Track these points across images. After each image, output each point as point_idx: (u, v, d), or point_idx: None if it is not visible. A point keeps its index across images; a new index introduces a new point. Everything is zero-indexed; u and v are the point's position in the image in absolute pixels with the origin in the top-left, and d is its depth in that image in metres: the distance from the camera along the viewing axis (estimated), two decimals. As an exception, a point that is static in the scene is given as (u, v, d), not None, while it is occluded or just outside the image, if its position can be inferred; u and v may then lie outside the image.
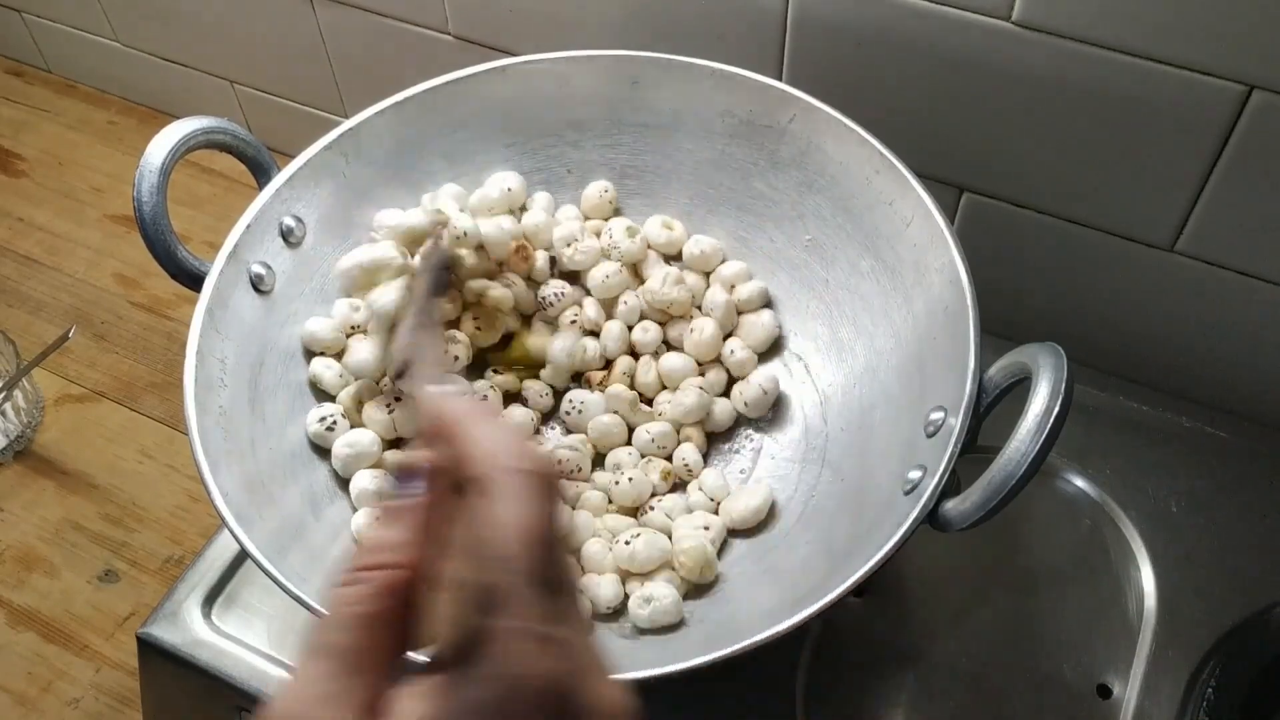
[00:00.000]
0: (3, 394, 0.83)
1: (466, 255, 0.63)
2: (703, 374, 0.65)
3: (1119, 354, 0.74)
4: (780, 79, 0.66)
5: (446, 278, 0.57)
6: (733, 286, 0.67)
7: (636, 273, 0.68)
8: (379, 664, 0.30)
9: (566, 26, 0.76)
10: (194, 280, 0.59)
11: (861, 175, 0.62)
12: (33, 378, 0.89)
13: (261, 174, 0.64)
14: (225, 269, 0.59)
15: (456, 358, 0.61)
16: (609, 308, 0.67)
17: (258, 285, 0.61)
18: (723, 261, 0.68)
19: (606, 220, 0.69)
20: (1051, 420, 0.46)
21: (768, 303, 0.67)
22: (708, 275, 0.68)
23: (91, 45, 1.06)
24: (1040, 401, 0.47)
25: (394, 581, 0.30)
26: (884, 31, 0.65)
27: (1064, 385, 0.47)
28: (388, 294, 0.59)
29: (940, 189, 0.71)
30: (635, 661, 0.48)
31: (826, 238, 0.65)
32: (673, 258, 0.69)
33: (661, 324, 0.66)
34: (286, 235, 0.63)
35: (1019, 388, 0.50)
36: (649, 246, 0.68)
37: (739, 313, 0.67)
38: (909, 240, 0.60)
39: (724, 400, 0.65)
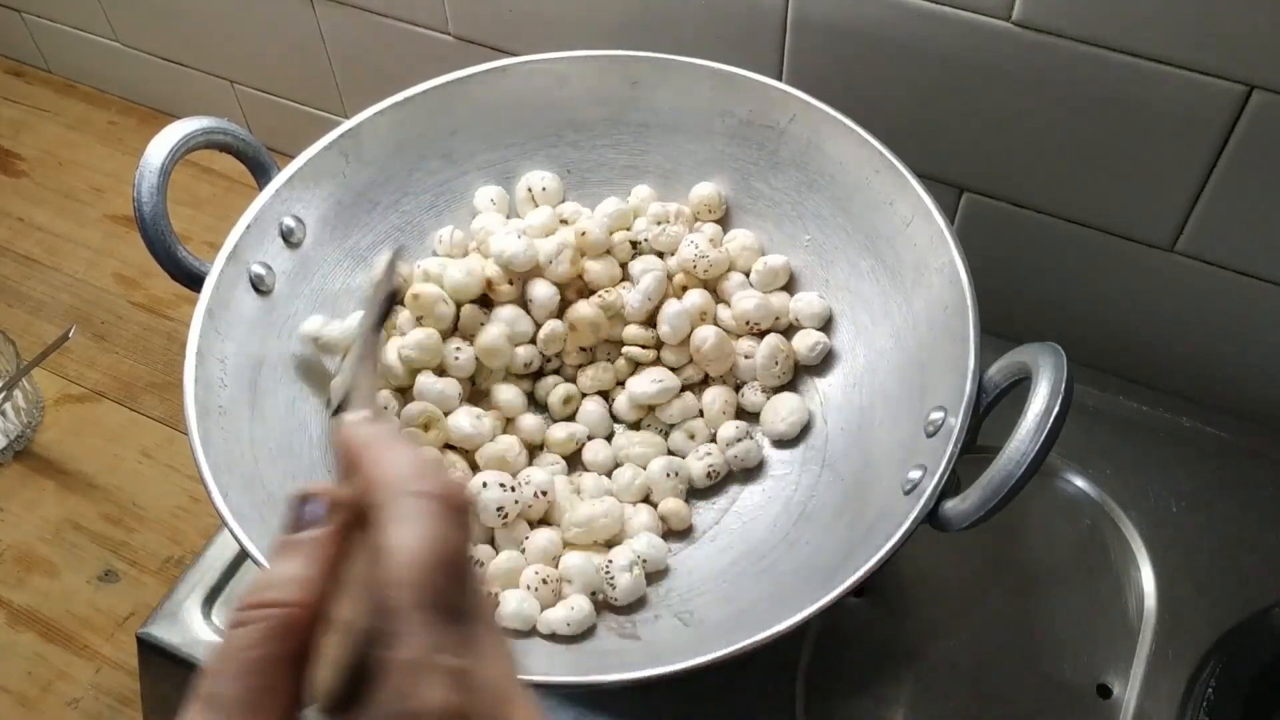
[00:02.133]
0: (3, 394, 0.83)
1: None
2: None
3: (1119, 354, 0.74)
4: (780, 79, 0.66)
5: (389, 311, 0.56)
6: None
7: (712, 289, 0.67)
8: (275, 716, 0.27)
9: (566, 26, 0.76)
10: (194, 280, 0.59)
11: (861, 175, 0.62)
12: (33, 378, 0.89)
13: (261, 174, 0.64)
14: (225, 269, 0.59)
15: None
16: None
17: (258, 285, 0.61)
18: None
19: (716, 219, 0.69)
20: (1051, 420, 0.46)
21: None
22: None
23: (91, 45, 1.06)
24: (1040, 401, 0.47)
25: (288, 621, 0.28)
26: (884, 31, 0.65)
27: (1064, 385, 0.47)
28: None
29: (940, 189, 0.71)
30: (635, 662, 0.48)
31: (826, 238, 0.65)
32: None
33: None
34: (286, 235, 0.63)
35: (1019, 388, 0.50)
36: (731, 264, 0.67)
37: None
38: (909, 240, 0.60)
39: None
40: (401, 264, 0.58)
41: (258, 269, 0.61)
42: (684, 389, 0.65)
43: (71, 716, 0.75)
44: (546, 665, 0.55)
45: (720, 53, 0.66)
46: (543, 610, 0.57)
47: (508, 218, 0.69)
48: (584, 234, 0.65)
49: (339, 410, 0.52)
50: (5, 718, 0.74)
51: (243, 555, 0.64)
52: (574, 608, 0.56)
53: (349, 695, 0.27)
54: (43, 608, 0.79)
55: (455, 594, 0.28)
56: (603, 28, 0.75)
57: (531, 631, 0.56)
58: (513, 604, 0.56)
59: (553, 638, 0.56)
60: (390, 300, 0.56)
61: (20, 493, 0.85)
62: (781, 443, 0.64)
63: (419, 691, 0.26)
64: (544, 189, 0.69)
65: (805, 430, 0.64)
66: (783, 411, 0.64)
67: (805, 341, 0.64)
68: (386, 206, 0.67)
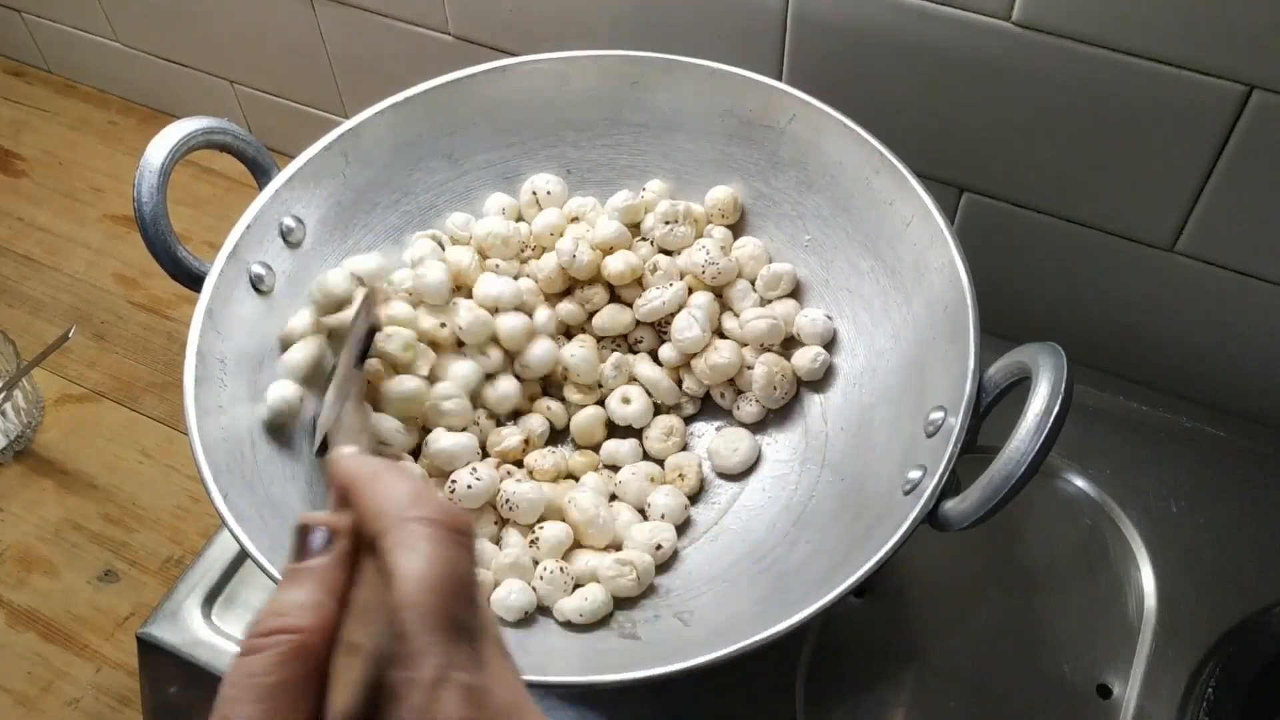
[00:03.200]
0: (3, 394, 0.83)
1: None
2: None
3: (1119, 354, 0.74)
4: (780, 79, 0.66)
5: (369, 346, 0.56)
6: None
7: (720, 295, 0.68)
8: None
9: (566, 26, 0.76)
10: (194, 280, 0.59)
11: (861, 175, 0.62)
12: (33, 378, 0.89)
13: (261, 174, 0.64)
14: (225, 269, 0.59)
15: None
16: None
17: (258, 285, 0.61)
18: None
19: (730, 223, 0.68)
20: (1051, 420, 0.46)
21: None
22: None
23: (91, 45, 1.06)
24: (1040, 401, 0.47)
25: (299, 647, 0.28)
26: (884, 31, 0.65)
27: (1064, 385, 0.47)
28: (297, 352, 0.60)
29: (940, 189, 0.71)
30: (635, 662, 0.48)
31: (826, 238, 0.65)
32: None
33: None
34: (286, 235, 0.63)
35: (1019, 388, 0.50)
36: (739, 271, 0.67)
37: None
38: (909, 240, 0.60)
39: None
40: (379, 305, 0.59)
41: (258, 269, 0.61)
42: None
43: (71, 716, 0.75)
44: (546, 664, 0.55)
45: (720, 53, 0.66)
46: (544, 600, 0.57)
47: (518, 219, 0.69)
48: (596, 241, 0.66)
49: (323, 448, 0.52)
50: (5, 718, 0.74)
51: (243, 555, 0.64)
52: (588, 598, 0.56)
53: (367, 717, 0.27)
54: (43, 608, 0.79)
55: (464, 614, 0.28)
56: (603, 28, 0.75)
57: (526, 620, 0.57)
58: (511, 593, 0.57)
59: (567, 625, 0.57)
60: (369, 337, 0.56)
61: (20, 493, 0.85)
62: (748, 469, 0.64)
63: (436, 709, 0.27)
64: (549, 192, 0.69)
65: (800, 433, 0.64)
66: (735, 445, 0.64)
67: (805, 356, 0.64)
68: (386, 206, 0.67)
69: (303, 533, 0.31)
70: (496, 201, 0.69)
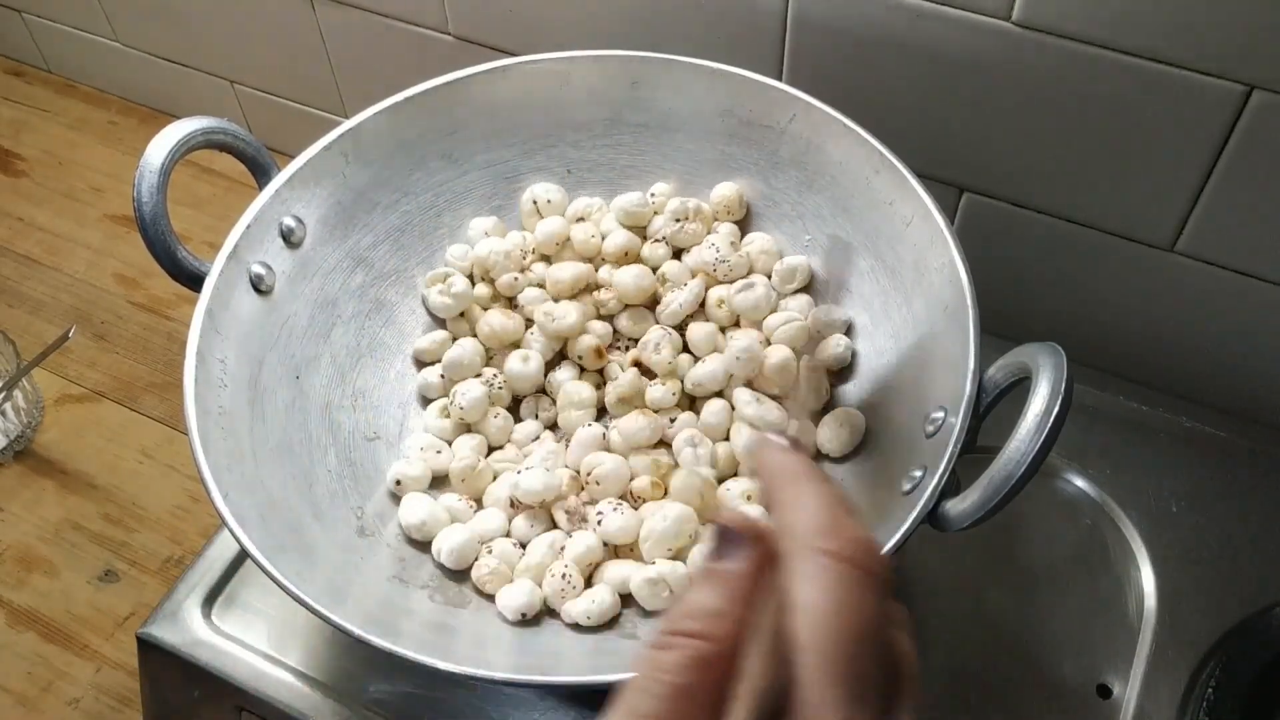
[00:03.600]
0: (3, 394, 0.83)
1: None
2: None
3: (1119, 354, 0.74)
4: (780, 79, 0.66)
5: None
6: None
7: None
8: None
9: (566, 26, 0.76)
10: (194, 280, 0.59)
11: (861, 175, 0.62)
12: (33, 378, 0.89)
13: (261, 174, 0.64)
14: (225, 269, 0.59)
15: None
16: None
17: (258, 285, 0.61)
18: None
19: (736, 219, 0.68)
20: (1051, 420, 0.46)
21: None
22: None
23: (91, 45, 1.06)
24: (1040, 401, 0.47)
25: (706, 655, 0.27)
26: (884, 31, 0.65)
27: (1064, 385, 0.47)
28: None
29: (940, 189, 0.71)
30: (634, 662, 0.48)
31: (827, 238, 0.65)
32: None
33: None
34: (286, 235, 0.63)
35: (1019, 388, 0.50)
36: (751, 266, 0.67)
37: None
38: (909, 240, 0.60)
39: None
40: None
41: (258, 269, 0.61)
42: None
43: (71, 716, 0.75)
44: (551, 665, 0.55)
45: (720, 53, 0.66)
46: (551, 602, 0.57)
47: (504, 235, 0.69)
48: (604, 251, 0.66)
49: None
50: (5, 718, 0.74)
51: (243, 555, 0.64)
52: (595, 600, 0.56)
53: None
54: (43, 608, 0.79)
55: (872, 669, 0.26)
56: (603, 28, 0.75)
57: (532, 620, 0.57)
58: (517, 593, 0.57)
59: (575, 627, 0.56)
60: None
61: (20, 493, 0.85)
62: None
63: None
64: (549, 200, 0.68)
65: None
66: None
67: (829, 346, 0.63)
68: (386, 206, 0.67)
69: (722, 532, 0.29)
70: (479, 225, 0.68)
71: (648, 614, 0.57)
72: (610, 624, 0.57)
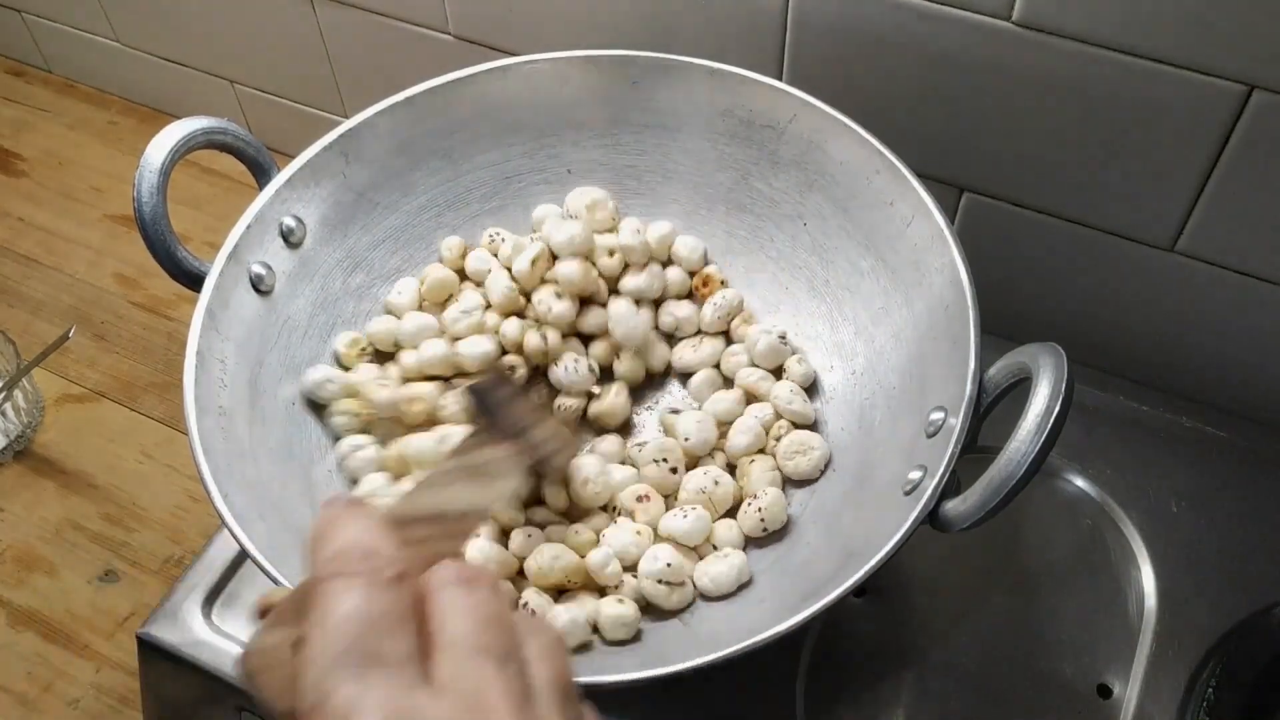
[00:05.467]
0: (3, 394, 0.83)
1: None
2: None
3: (1119, 354, 0.74)
4: (780, 79, 0.66)
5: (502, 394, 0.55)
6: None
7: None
8: None
9: (566, 26, 0.76)
10: (194, 280, 0.59)
11: (861, 175, 0.62)
12: (33, 378, 0.89)
13: (261, 174, 0.64)
14: (225, 269, 0.59)
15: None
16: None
17: (258, 285, 0.61)
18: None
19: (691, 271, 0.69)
20: (1051, 420, 0.46)
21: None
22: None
23: (91, 45, 1.06)
24: (1040, 401, 0.47)
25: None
26: (884, 31, 0.65)
27: (1064, 385, 0.47)
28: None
29: (940, 189, 0.71)
30: (635, 662, 0.48)
31: (826, 238, 0.65)
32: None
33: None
34: (286, 235, 0.63)
35: (1019, 388, 0.50)
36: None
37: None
38: (909, 240, 0.60)
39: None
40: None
41: (258, 269, 0.61)
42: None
43: (71, 716, 0.75)
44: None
45: (720, 53, 0.66)
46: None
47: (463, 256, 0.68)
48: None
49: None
50: (5, 718, 0.74)
51: (243, 555, 0.64)
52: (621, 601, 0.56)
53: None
54: (43, 608, 0.79)
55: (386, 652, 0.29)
56: (603, 28, 0.75)
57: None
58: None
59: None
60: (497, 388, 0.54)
61: (20, 493, 0.85)
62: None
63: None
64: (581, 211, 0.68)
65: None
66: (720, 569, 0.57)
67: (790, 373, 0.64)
68: (386, 206, 0.67)
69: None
70: (446, 245, 0.68)
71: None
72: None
